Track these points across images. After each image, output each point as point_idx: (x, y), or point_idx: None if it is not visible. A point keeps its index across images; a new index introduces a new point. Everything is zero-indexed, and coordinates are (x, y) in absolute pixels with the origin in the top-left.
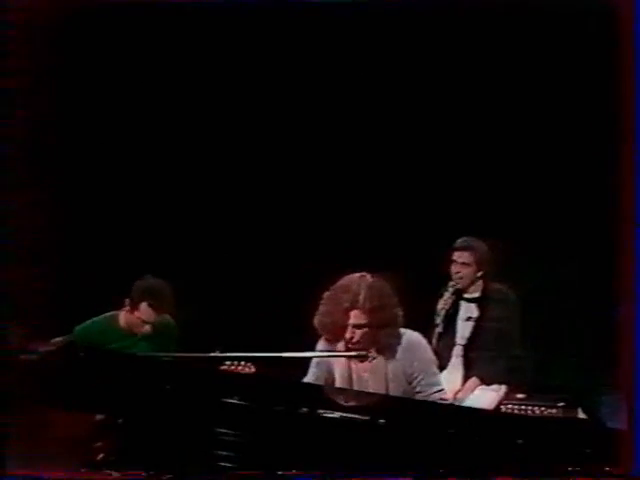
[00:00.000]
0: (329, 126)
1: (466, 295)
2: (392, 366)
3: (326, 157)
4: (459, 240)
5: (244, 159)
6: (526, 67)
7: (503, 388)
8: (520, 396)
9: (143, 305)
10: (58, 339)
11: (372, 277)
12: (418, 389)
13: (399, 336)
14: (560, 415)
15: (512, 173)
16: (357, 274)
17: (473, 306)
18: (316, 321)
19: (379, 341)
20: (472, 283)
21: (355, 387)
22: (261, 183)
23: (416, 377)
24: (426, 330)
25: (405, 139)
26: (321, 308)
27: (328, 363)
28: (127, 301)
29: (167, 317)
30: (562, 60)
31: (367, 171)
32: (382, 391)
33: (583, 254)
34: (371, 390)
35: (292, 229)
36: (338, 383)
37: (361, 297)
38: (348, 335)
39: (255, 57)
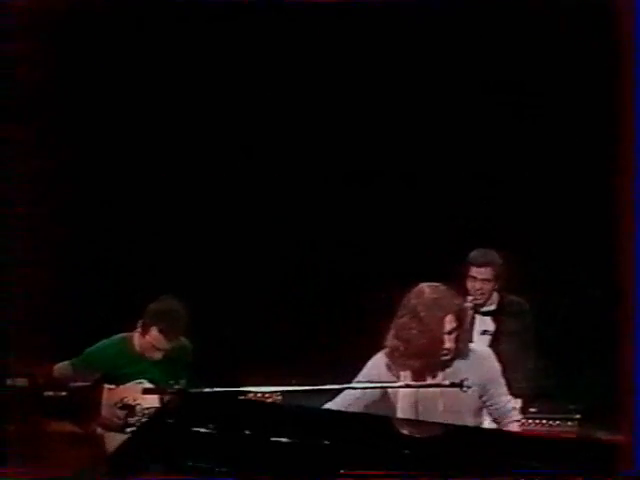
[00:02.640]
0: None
1: (481, 308)
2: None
3: (334, 175)
4: (476, 254)
5: (260, 179)
6: (526, 67)
7: (519, 402)
8: (536, 409)
9: (153, 330)
10: (62, 364)
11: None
12: (489, 402)
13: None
14: (576, 428)
15: (521, 182)
16: (420, 287)
17: (489, 319)
18: (402, 349)
19: (460, 347)
20: (490, 297)
21: (421, 405)
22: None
23: (488, 389)
24: None
25: (408, 149)
26: (407, 333)
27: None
28: (139, 323)
29: (182, 340)
30: (562, 60)
31: (373, 180)
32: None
33: (596, 262)
34: (441, 409)
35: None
36: (401, 405)
37: (447, 300)
38: (448, 345)
39: (254, 58)
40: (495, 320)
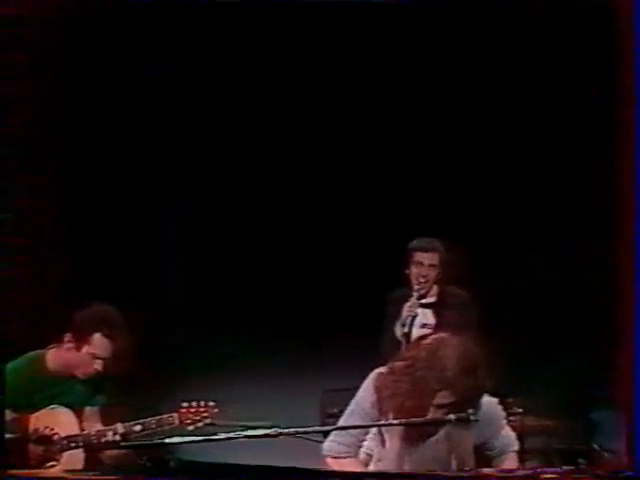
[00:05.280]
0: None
1: (422, 300)
2: (465, 436)
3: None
4: (421, 240)
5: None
6: (526, 67)
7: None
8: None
9: (97, 337)
10: None
11: (458, 340)
12: (492, 453)
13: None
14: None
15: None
16: (438, 336)
17: (429, 312)
18: (389, 393)
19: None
20: (432, 287)
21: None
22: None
23: (491, 442)
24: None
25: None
26: (397, 382)
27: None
28: (68, 336)
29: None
30: (562, 60)
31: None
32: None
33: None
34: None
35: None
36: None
37: (452, 374)
38: (430, 415)
39: (255, 59)
40: (435, 313)
